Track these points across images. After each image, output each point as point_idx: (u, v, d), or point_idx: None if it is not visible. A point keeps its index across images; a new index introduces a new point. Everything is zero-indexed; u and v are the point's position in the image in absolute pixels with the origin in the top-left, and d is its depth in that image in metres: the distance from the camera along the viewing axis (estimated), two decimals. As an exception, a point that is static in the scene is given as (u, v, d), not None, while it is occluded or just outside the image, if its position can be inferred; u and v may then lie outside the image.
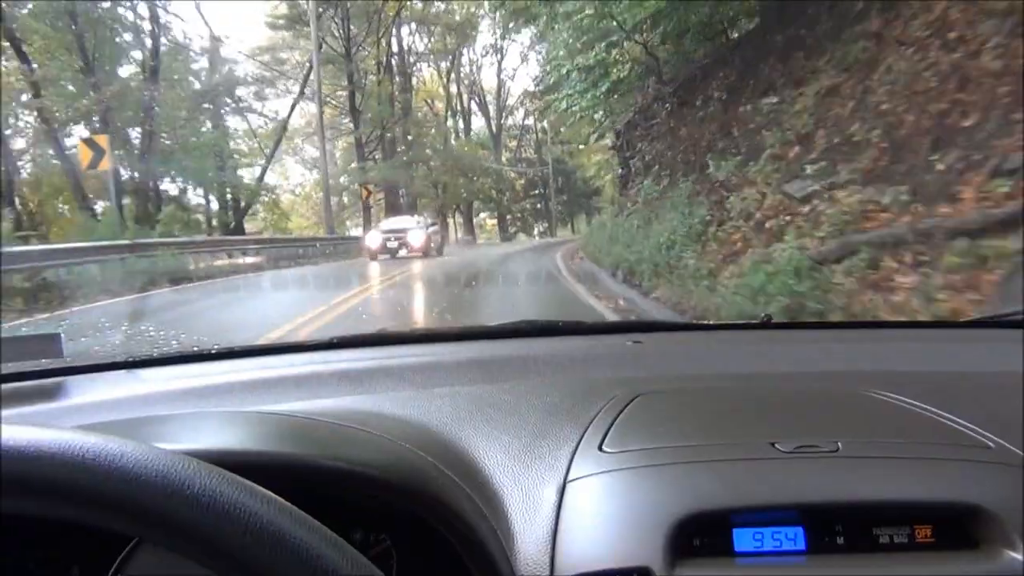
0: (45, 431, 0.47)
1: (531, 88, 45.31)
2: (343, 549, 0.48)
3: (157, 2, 22.04)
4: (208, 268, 14.80)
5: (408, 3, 34.03)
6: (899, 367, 1.25)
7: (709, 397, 1.11)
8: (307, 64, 28.14)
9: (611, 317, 7.11)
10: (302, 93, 29.83)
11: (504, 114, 47.05)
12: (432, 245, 20.89)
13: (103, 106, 18.69)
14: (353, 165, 33.08)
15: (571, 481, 0.79)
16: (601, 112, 18.57)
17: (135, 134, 22.02)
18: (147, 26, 21.71)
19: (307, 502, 0.50)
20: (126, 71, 22.29)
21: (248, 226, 31.06)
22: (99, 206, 19.90)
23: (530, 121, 49.31)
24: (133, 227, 18.12)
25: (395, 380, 1.20)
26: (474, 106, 45.59)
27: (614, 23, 14.67)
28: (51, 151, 19.23)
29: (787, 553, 0.70)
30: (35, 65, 18.30)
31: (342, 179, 36.00)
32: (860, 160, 6.34)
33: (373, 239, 20.45)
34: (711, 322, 2.14)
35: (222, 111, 28.70)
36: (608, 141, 25.87)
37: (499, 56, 44.75)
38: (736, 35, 13.72)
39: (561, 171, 47.17)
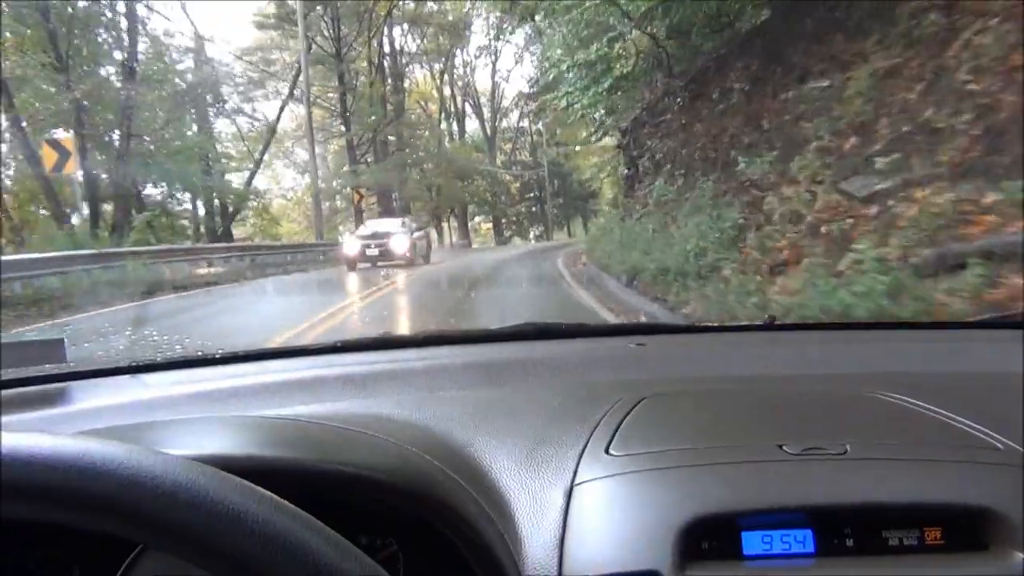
0: (45, 437, 0.46)
1: (526, 90, 44.38)
2: (351, 552, 0.47)
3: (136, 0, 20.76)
4: (179, 278, 13.55)
5: (400, 3, 32.87)
6: (906, 368, 1.23)
7: (714, 399, 1.09)
8: (296, 65, 26.90)
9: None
10: (291, 94, 28.60)
11: (499, 116, 45.90)
12: (418, 252, 18.81)
13: (77, 105, 17.40)
14: (345, 168, 31.82)
15: (578, 484, 0.78)
16: (602, 110, 17.48)
17: (115, 137, 20.92)
18: (129, 23, 20.38)
19: (312, 507, 0.49)
20: (106, 72, 21.08)
21: (237, 232, 29.87)
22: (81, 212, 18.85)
23: (525, 123, 48.22)
24: (105, 235, 16.93)
25: (399, 384, 1.21)
26: (468, 108, 44.41)
27: (618, 14, 13.63)
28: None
29: (796, 556, 0.69)
30: (6, 62, 17.05)
31: (335, 183, 34.73)
32: (942, 151, 5.20)
33: (351, 246, 17.83)
34: (714, 324, 2.04)
35: (208, 113, 27.45)
36: (610, 141, 24.82)
37: (493, 57, 43.60)
38: (745, 26, 12.68)
39: (557, 174, 46.03)
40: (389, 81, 33.98)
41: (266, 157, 35.33)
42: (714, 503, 0.71)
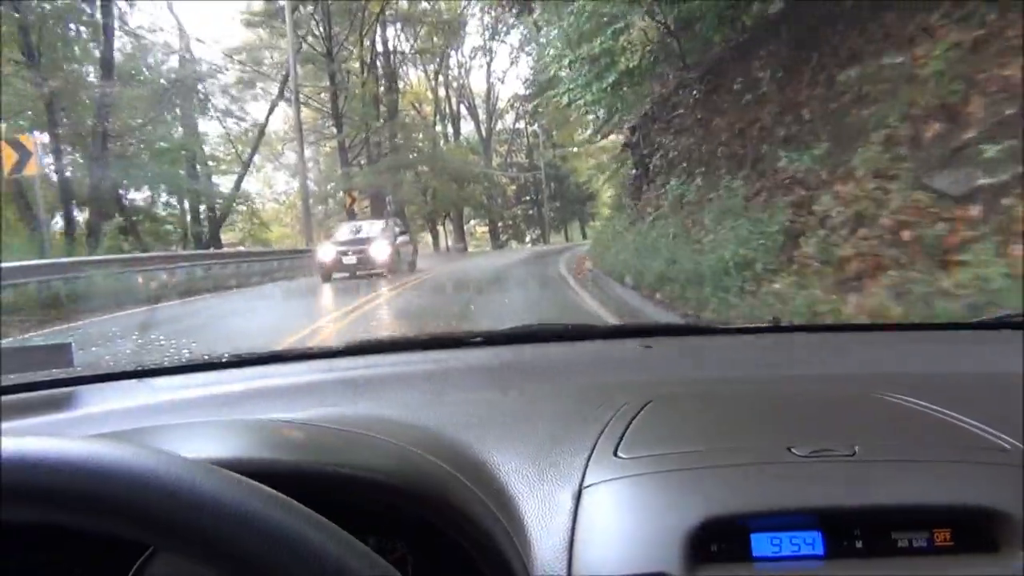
0: (54, 440, 0.46)
1: (521, 91, 43.31)
2: (362, 552, 0.47)
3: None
4: (153, 288, 12.34)
5: (393, 1, 31.71)
6: (913, 369, 1.22)
7: (722, 401, 1.09)
8: (286, 64, 25.69)
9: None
10: (281, 94, 27.38)
11: (494, 118, 44.72)
12: (402, 259, 16.63)
13: (48, 102, 16.17)
14: (337, 171, 30.59)
15: (587, 487, 0.77)
16: (603, 109, 16.35)
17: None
18: (105, 18, 19.13)
19: (320, 510, 0.49)
20: (85, 70, 19.82)
21: (226, 237, 28.70)
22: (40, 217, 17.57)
23: (521, 125, 47.09)
24: (82, 241, 15.73)
25: (405, 386, 1.21)
26: (463, 110, 43.23)
27: (625, 2, 12.56)
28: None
29: (805, 557, 0.68)
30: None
31: (329, 186, 33.50)
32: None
33: (325, 253, 15.42)
34: (720, 326, 1.76)
35: (194, 113, 26.22)
36: (612, 141, 23.80)
37: (488, 58, 42.37)
38: (765, 14, 11.59)
39: (554, 176, 44.95)
40: (382, 81, 32.74)
41: (257, 160, 34.43)
42: (723, 505, 0.70)
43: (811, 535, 0.68)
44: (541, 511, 0.74)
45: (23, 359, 1.15)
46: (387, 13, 31.73)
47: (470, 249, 39.09)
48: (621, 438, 0.87)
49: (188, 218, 26.10)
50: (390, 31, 34.30)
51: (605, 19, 14.77)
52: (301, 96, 30.18)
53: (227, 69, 26.74)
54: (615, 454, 0.83)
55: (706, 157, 10.28)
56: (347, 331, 7.85)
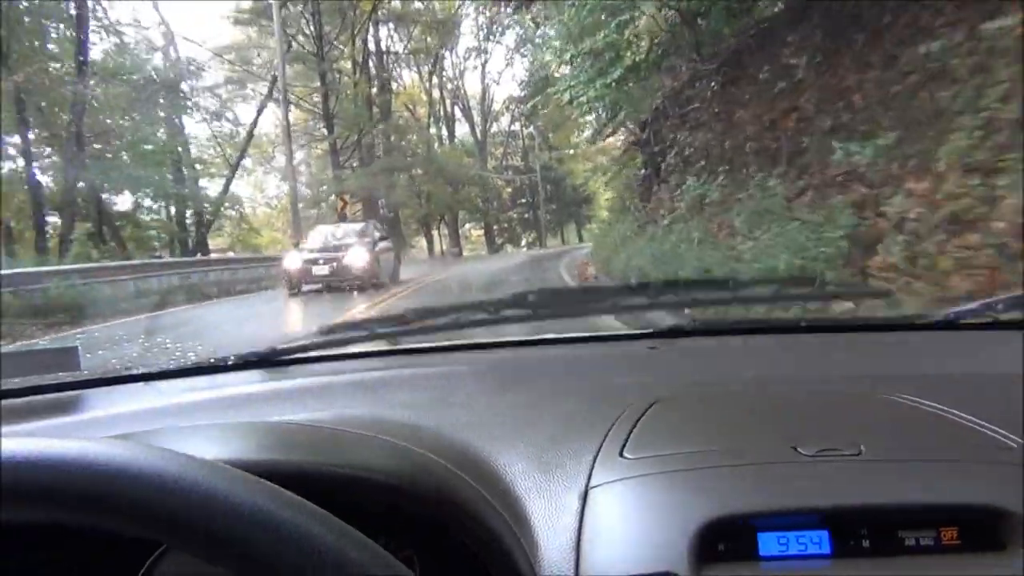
0: (69, 441, 0.47)
1: (516, 93, 42.28)
2: (374, 552, 0.47)
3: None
4: (122, 298, 11.25)
5: (385, 0, 30.65)
6: (919, 369, 1.21)
7: (728, 401, 1.07)
8: (276, 63, 24.54)
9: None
10: (270, 95, 26.23)
11: (489, 120, 43.63)
12: (383, 268, 14.05)
13: (16, 99, 14.99)
14: (328, 173, 29.43)
15: (593, 487, 0.76)
16: (607, 106, 15.31)
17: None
18: (78, 10, 17.96)
19: (327, 510, 0.49)
20: (62, 68, 18.63)
21: (214, 243, 27.54)
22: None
23: (517, 127, 46.01)
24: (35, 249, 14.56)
25: (411, 389, 1.20)
26: (458, 112, 42.11)
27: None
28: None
29: (812, 557, 0.67)
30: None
31: (323, 188, 32.29)
32: None
33: (292, 261, 13.24)
34: (726, 326, 1.63)
35: (180, 114, 25.10)
36: (611, 142, 22.73)
37: (483, 59, 41.33)
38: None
39: (550, 178, 43.89)
40: (375, 82, 31.61)
41: (249, 164, 33.27)
42: (729, 505, 0.70)
43: (818, 534, 0.68)
44: (547, 512, 0.74)
45: (30, 362, 1.14)
46: (379, 12, 30.63)
47: (465, 253, 37.96)
48: (627, 438, 0.86)
49: (175, 224, 24.93)
50: (383, 31, 33.21)
51: (609, 11, 13.85)
52: (291, 97, 29.14)
53: (208, 66, 25.60)
54: (621, 455, 0.82)
55: (729, 153, 9.24)
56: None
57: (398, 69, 36.54)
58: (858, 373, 1.19)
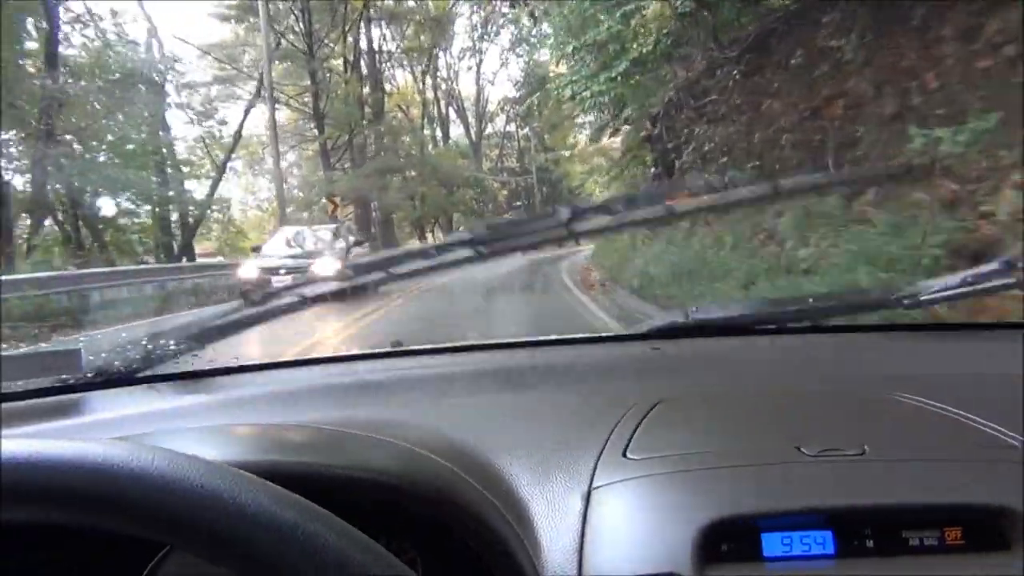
0: (76, 443, 0.47)
1: (512, 93, 41.20)
2: (376, 553, 0.47)
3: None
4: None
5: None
6: (923, 369, 1.20)
7: (731, 402, 1.07)
8: (269, 62, 23.33)
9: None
10: (259, 93, 25.01)
11: (484, 121, 42.50)
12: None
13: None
14: (319, 175, 28.23)
15: (596, 488, 0.76)
16: (611, 102, 14.24)
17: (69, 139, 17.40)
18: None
19: (330, 511, 0.49)
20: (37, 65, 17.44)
21: (201, 247, 26.32)
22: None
23: (512, 128, 44.88)
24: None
25: (414, 391, 1.19)
26: (452, 113, 40.94)
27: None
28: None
29: (816, 557, 0.67)
30: None
31: (314, 191, 31.02)
32: None
33: (247, 271, 11.21)
34: (729, 327, 1.54)
35: (164, 113, 23.92)
36: (610, 142, 21.67)
37: (478, 58, 40.12)
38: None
39: (546, 180, 42.76)
40: (367, 81, 30.42)
41: (240, 166, 32.03)
42: (733, 505, 0.69)
43: (821, 534, 0.67)
44: (551, 512, 0.73)
45: (33, 365, 1.12)
46: (371, 10, 29.47)
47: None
48: (630, 439, 0.86)
49: (158, 228, 23.69)
50: (375, 29, 32.02)
51: (613, 0, 12.84)
52: (281, 96, 27.98)
53: (190, 63, 24.41)
54: (624, 455, 0.82)
55: (758, 148, 8.17)
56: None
57: (391, 69, 35.34)
58: (861, 373, 1.19)
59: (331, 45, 27.92)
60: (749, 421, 0.96)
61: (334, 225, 13.23)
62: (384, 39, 33.12)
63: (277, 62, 26.93)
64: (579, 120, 26.59)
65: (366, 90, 29.86)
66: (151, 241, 22.84)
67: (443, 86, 39.15)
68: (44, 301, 10.11)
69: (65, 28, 17.73)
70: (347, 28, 27.61)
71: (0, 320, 8.83)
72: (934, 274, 4.00)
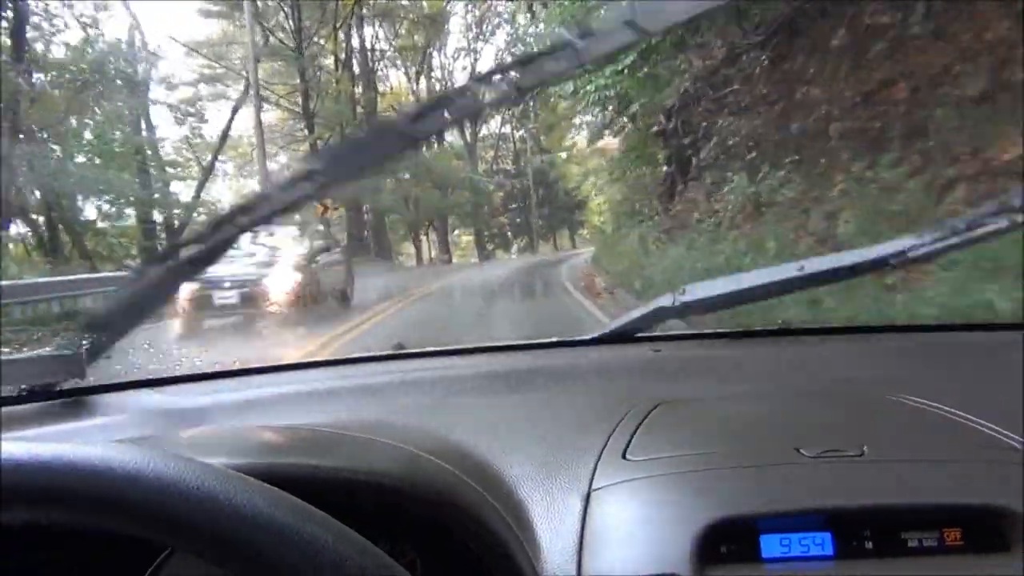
0: (75, 446, 0.47)
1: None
2: (375, 556, 0.47)
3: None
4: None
5: (370, -4, 28.42)
6: (922, 370, 1.19)
7: (731, 404, 1.06)
8: (255, 60, 22.21)
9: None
10: (246, 92, 23.90)
11: (479, 122, 41.38)
12: (324, 292, 9.51)
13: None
14: (309, 177, 27.04)
15: (595, 490, 0.75)
16: (615, 95, 13.22)
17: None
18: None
19: (330, 514, 0.49)
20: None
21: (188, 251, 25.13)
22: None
23: (507, 129, 43.82)
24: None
25: (415, 393, 1.19)
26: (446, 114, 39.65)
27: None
28: None
29: (815, 558, 0.66)
30: None
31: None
32: None
33: (183, 289, 7.74)
34: (730, 330, 1.61)
35: (148, 112, 22.81)
36: (615, 139, 20.66)
37: (472, 58, 39.02)
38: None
39: (542, 182, 41.72)
40: (359, 80, 29.30)
41: (231, 169, 30.92)
42: (732, 506, 0.69)
43: (820, 536, 0.67)
44: (550, 514, 0.73)
45: (35, 368, 1.12)
46: (364, 8, 28.38)
47: (455, 260, 35.65)
48: (630, 441, 0.85)
49: (140, 232, 22.54)
50: (368, 27, 30.89)
51: (618, -13, 11.71)
52: (270, 95, 26.90)
53: (168, 58, 23.26)
54: (624, 457, 0.81)
55: (795, 140, 7.14)
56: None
57: (384, 69, 34.23)
58: (862, 375, 1.18)
59: (321, 43, 26.84)
60: (748, 422, 0.95)
61: (296, 227, 10.95)
62: (377, 38, 32.07)
63: (266, 60, 25.86)
64: (576, 120, 25.57)
65: (358, 90, 28.76)
66: (133, 245, 21.71)
67: (437, 87, 38.05)
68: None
69: (37, 20, 16.62)
70: (338, 25, 26.53)
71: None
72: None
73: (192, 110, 23.94)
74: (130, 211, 21.65)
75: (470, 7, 34.93)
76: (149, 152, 22.89)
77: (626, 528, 0.69)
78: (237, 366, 1.36)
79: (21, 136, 15.13)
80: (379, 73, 33.13)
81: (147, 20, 36.89)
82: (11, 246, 15.78)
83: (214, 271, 8.07)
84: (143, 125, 22.60)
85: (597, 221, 40.99)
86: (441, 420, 0.98)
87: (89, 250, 18.38)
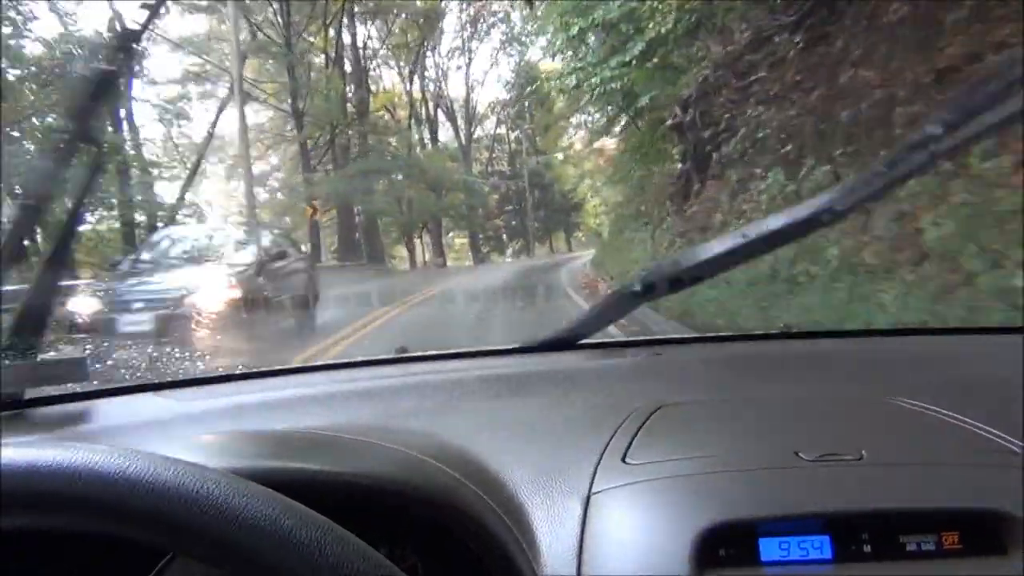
0: (78, 450, 0.47)
1: (502, 96, 39.20)
2: (375, 560, 0.47)
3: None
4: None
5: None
6: (922, 374, 1.18)
7: (731, 407, 1.06)
8: (238, 57, 21.09)
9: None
10: (233, 90, 22.80)
11: (474, 123, 40.32)
12: (272, 306, 7.32)
13: None
14: (299, 179, 25.94)
15: (595, 493, 0.75)
16: (621, 88, 12.22)
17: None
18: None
19: (331, 518, 0.49)
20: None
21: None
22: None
23: (502, 130, 42.78)
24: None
25: (416, 396, 1.19)
26: (441, 115, 38.67)
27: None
28: None
29: (814, 562, 0.66)
30: None
31: (294, 194, 28.65)
32: None
33: (84, 305, 6.39)
34: (730, 333, 1.67)
35: (131, 111, 21.76)
36: (604, 143, 19.74)
37: (467, 57, 37.93)
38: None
39: (538, 184, 40.71)
40: (350, 77, 28.16)
41: (222, 171, 29.78)
42: (731, 510, 0.69)
43: (819, 539, 0.67)
44: (550, 517, 0.72)
45: (39, 373, 1.12)
46: (356, 5, 27.28)
47: (449, 263, 34.53)
48: (630, 444, 0.85)
49: (121, 235, 21.40)
50: (360, 25, 29.76)
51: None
52: (259, 94, 25.83)
53: (149, 53, 22.12)
54: (624, 460, 0.81)
55: (846, 130, 6.12)
56: None
57: (377, 68, 33.11)
58: (861, 378, 1.18)
59: (311, 40, 25.75)
60: (748, 426, 0.95)
61: (243, 227, 8.95)
62: (369, 36, 30.97)
63: (253, 57, 24.78)
64: (574, 120, 24.55)
65: (350, 88, 27.65)
66: (111, 248, 20.60)
67: (431, 87, 37.00)
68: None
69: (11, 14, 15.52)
70: (328, 21, 25.43)
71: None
72: None
73: (169, 107, 22.74)
74: (109, 213, 20.62)
75: (464, 5, 33.95)
76: (131, 151, 21.85)
77: (626, 531, 0.69)
78: (239, 370, 1.36)
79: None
80: (372, 72, 32.07)
81: (130, 15, 35.44)
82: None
83: (124, 289, 6.60)
84: (124, 124, 21.51)
85: (593, 224, 40.10)
86: (442, 424, 0.98)
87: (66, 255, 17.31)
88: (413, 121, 34.98)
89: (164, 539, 0.46)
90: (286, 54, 23.58)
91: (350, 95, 27.54)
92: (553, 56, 17.18)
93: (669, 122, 10.05)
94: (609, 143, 20.48)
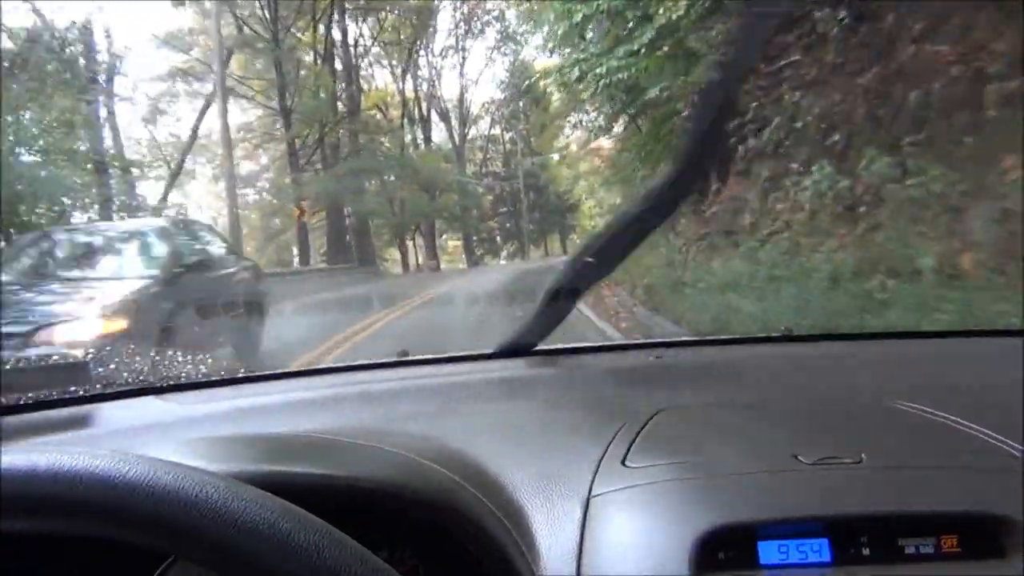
0: (80, 455, 0.47)
1: (497, 95, 38.26)
2: (375, 565, 0.46)
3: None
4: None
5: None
6: (921, 377, 1.18)
7: (731, 411, 1.05)
8: (223, 55, 20.01)
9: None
10: (217, 89, 21.71)
11: (468, 123, 39.27)
12: (199, 332, 5.34)
13: None
14: (287, 179, 24.84)
15: (595, 496, 0.75)
16: (623, 77, 11.25)
17: None
18: None
19: (331, 521, 0.48)
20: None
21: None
22: None
23: (497, 131, 41.75)
24: None
25: (416, 400, 1.18)
26: (434, 115, 37.59)
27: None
28: None
29: (813, 565, 0.66)
30: None
31: (282, 194, 27.50)
32: None
33: None
34: (731, 336, 1.69)
35: (112, 109, 20.70)
36: (603, 143, 18.77)
37: (461, 57, 36.87)
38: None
39: (532, 186, 39.70)
40: (341, 75, 27.06)
41: (212, 172, 28.67)
42: (730, 513, 0.68)
43: (818, 542, 0.66)
44: (550, 520, 0.72)
45: (41, 377, 1.09)
46: (345, 1, 26.21)
47: (442, 266, 33.44)
48: (630, 448, 0.84)
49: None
50: (351, 21, 28.67)
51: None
52: (245, 91, 24.77)
53: (131, 49, 21.05)
54: (623, 463, 0.81)
55: (913, 115, 5.16)
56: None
57: (369, 67, 32.02)
58: (861, 381, 1.17)
59: (300, 36, 24.66)
60: (748, 429, 0.94)
61: (159, 222, 6.84)
62: (361, 34, 29.89)
63: (239, 52, 23.71)
64: (571, 119, 23.54)
65: (340, 86, 26.58)
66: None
67: (424, 86, 35.95)
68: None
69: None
70: (317, 16, 24.36)
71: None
72: None
73: (148, 103, 21.69)
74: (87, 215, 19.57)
75: (458, 3, 32.96)
76: (112, 151, 20.83)
77: (625, 534, 0.68)
78: (241, 374, 1.34)
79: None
80: (364, 71, 31.00)
81: (112, 8, 34.25)
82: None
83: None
84: (103, 122, 20.46)
85: (589, 226, 39.11)
86: (441, 427, 0.97)
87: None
88: (406, 120, 33.91)
89: (164, 543, 0.45)
90: (273, 49, 22.51)
91: (340, 93, 26.48)
92: (551, 52, 16.24)
93: (685, 112, 9.08)
94: (606, 143, 19.56)
